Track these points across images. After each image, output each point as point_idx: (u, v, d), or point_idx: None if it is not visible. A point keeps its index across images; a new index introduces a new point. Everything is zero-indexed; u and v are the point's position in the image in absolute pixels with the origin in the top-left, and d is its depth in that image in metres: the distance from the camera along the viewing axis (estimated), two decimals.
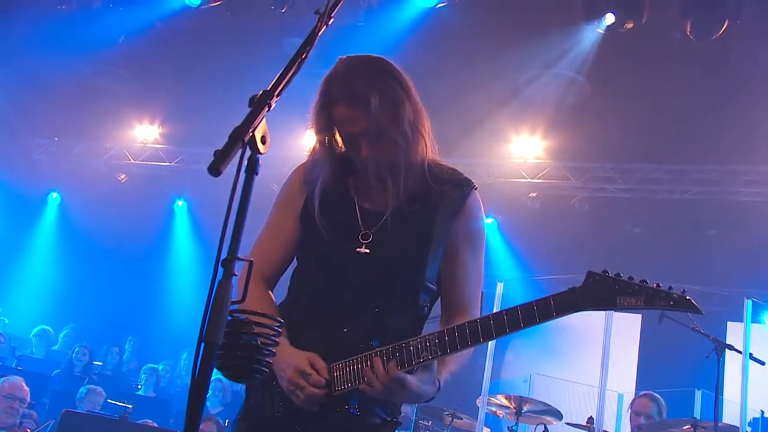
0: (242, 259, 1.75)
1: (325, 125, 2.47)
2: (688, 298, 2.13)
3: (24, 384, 6.69)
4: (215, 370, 1.79)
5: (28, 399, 6.72)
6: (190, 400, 1.71)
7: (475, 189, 2.58)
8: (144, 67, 10.70)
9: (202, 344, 1.71)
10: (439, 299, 2.60)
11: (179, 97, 10.97)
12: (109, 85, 11.07)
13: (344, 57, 2.48)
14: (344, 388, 2.37)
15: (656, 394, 7.03)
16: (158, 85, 10.95)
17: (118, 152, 12.32)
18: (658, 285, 2.16)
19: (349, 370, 2.37)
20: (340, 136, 2.49)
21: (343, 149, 2.52)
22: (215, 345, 1.71)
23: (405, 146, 2.43)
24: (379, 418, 2.46)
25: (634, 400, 7.08)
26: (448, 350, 2.28)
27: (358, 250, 2.46)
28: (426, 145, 2.49)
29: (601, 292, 2.16)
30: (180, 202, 12.73)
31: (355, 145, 2.44)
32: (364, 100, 2.37)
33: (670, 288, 2.15)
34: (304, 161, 2.66)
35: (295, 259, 2.66)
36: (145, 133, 12.10)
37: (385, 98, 2.38)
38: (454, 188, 2.53)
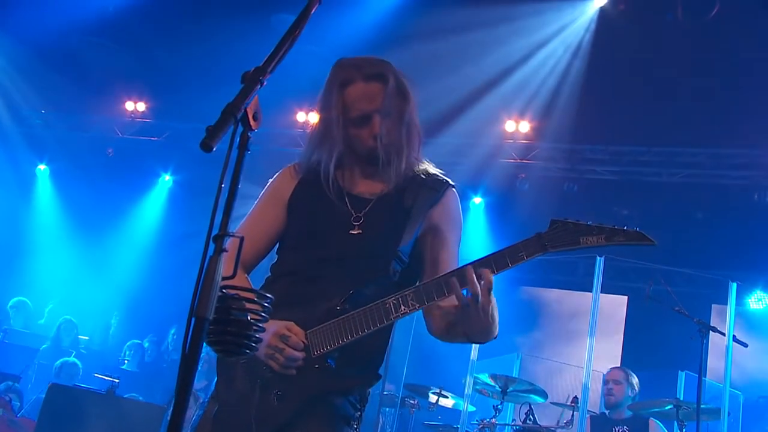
0: (233, 236, 1.76)
1: (335, 106, 2.60)
2: (640, 231, 2.32)
3: None
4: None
5: None
6: (180, 375, 1.71)
7: (454, 188, 2.76)
8: (133, 41, 10.61)
9: (193, 319, 1.71)
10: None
11: (168, 71, 10.88)
12: (97, 57, 10.96)
13: (345, 57, 2.69)
14: (322, 350, 2.46)
15: (627, 368, 7.16)
16: (147, 60, 10.86)
17: (105, 125, 12.24)
18: (614, 225, 2.34)
19: (326, 332, 2.47)
20: (350, 117, 2.60)
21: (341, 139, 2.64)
22: (206, 320, 1.72)
23: (407, 132, 2.65)
24: (357, 372, 2.56)
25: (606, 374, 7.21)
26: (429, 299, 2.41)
27: (351, 232, 2.61)
28: (419, 140, 2.72)
29: (565, 235, 2.34)
30: (167, 177, 12.68)
31: (366, 123, 2.60)
32: (382, 79, 2.60)
33: (625, 227, 2.34)
34: (294, 162, 2.81)
35: (276, 246, 2.78)
36: (133, 107, 12.01)
37: (399, 81, 2.63)
38: (435, 182, 2.72)
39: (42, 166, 12.89)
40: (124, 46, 10.77)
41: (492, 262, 2.37)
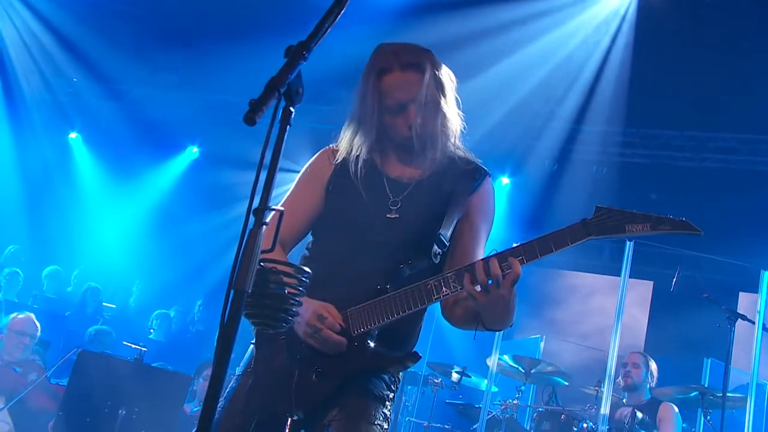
0: (273, 209, 1.76)
1: (372, 94, 2.60)
2: (686, 220, 2.32)
3: (35, 319, 6.79)
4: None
5: (38, 335, 6.81)
6: (218, 347, 1.72)
7: (490, 176, 2.78)
8: (162, 11, 10.60)
9: (232, 292, 1.72)
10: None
11: (197, 42, 10.85)
12: (126, 27, 10.97)
13: (386, 42, 2.68)
14: (363, 329, 2.51)
15: (647, 354, 7.10)
16: (176, 30, 10.83)
17: (134, 96, 12.28)
18: (659, 215, 2.34)
19: (367, 311, 2.51)
20: (386, 105, 2.61)
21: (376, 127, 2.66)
22: (244, 293, 1.72)
23: (443, 122, 2.65)
24: (395, 351, 2.60)
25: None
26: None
27: (388, 215, 2.63)
28: (457, 128, 2.72)
29: (611, 221, 2.34)
30: (194, 149, 12.73)
31: (401, 112, 2.60)
32: (419, 69, 2.59)
33: (670, 215, 2.34)
34: (331, 145, 2.82)
35: (311, 229, 2.80)
36: (162, 78, 12.02)
37: (436, 71, 2.62)
38: (473, 171, 2.74)
39: (73, 134, 12.99)
40: (152, 16, 10.76)
41: (536, 246, 2.37)
